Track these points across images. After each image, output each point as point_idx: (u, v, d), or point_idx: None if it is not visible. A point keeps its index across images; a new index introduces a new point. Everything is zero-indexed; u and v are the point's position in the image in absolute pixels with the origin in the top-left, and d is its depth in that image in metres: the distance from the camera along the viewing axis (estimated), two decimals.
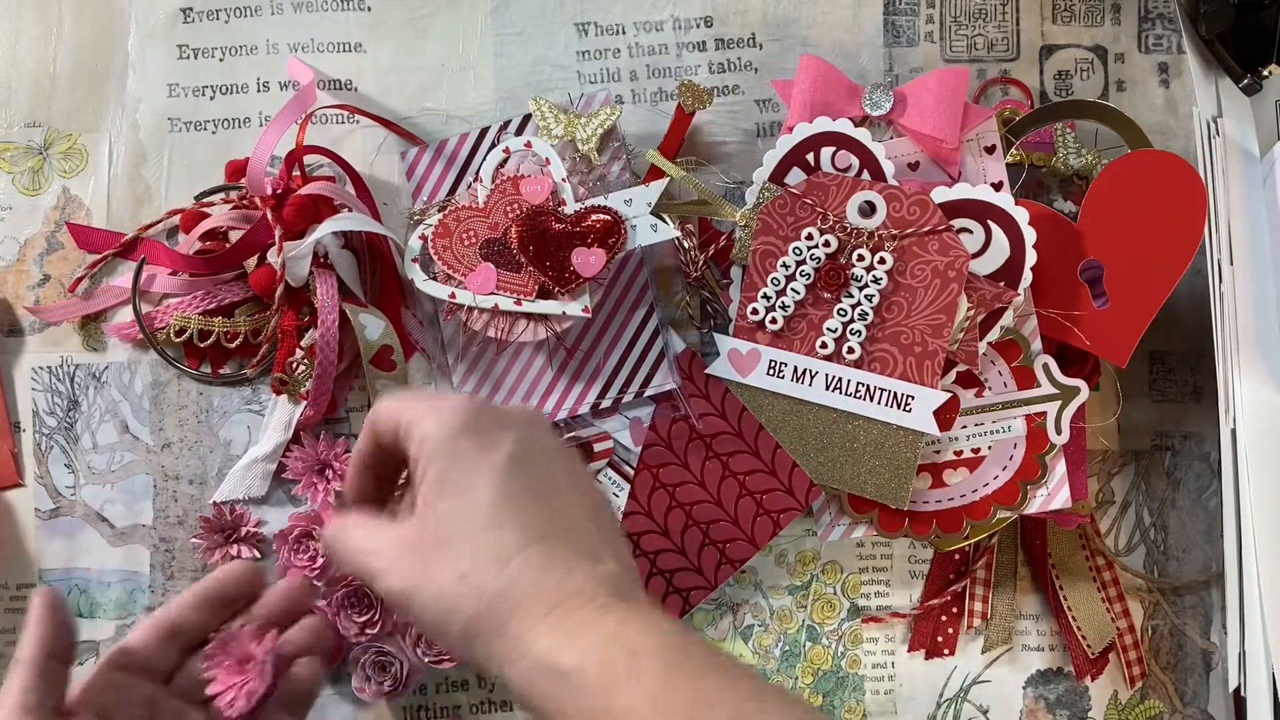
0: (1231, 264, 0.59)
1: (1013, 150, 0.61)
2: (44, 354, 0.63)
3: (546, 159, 0.59)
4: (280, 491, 0.62)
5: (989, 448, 0.60)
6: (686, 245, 0.61)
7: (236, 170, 0.62)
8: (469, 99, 0.64)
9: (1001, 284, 0.58)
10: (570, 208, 0.58)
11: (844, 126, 0.58)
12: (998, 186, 0.59)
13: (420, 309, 0.63)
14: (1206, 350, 0.60)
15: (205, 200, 0.62)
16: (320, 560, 0.59)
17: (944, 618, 0.63)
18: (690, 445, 0.61)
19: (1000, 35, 0.64)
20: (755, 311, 0.60)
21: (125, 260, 0.63)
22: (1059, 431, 0.59)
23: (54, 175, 0.64)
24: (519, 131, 0.62)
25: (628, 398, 0.61)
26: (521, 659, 0.41)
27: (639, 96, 0.64)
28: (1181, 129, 0.63)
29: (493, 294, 0.58)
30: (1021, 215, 0.57)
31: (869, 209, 0.58)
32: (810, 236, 0.58)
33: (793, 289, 0.59)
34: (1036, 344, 0.59)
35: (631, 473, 0.61)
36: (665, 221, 0.59)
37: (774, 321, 0.59)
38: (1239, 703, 0.59)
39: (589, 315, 0.58)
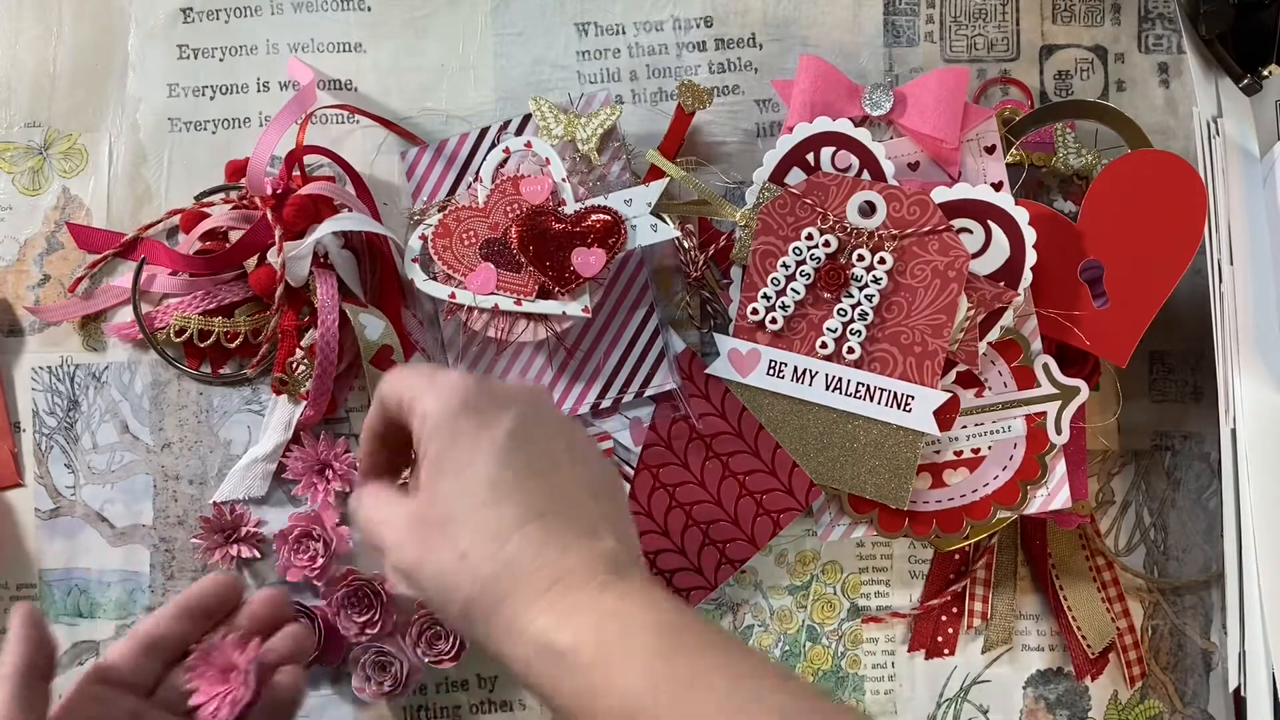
0: (1231, 264, 0.59)
1: (1013, 150, 0.61)
2: (44, 354, 0.63)
3: (546, 159, 0.59)
4: (280, 491, 0.62)
5: (989, 448, 0.60)
6: (686, 245, 0.61)
7: (236, 170, 0.62)
8: (469, 99, 0.64)
9: (1001, 284, 0.58)
10: (570, 208, 0.58)
11: (844, 126, 0.59)
12: (998, 186, 0.59)
13: (420, 309, 0.63)
14: (1206, 350, 0.60)
15: (205, 200, 0.62)
16: (320, 560, 0.59)
17: (944, 618, 0.63)
18: (690, 445, 0.61)
19: (1000, 35, 0.64)
20: (755, 311, 0.60)
21: (125, 260, 0.63)
22: (1059, 431, 0.59)
23: (54, 175, 0.64)
24: (519, 131, 0.62)
25: (628, 398, 0.61)
26: (518, 638, 0.41)
27: (639, 96, 0.64)
28: (1181, 129, 0.63)
29: (493, 294, 0.58)
30: (1021, 215, 0.57)
31: (869, 209, 0.58)
32: (810, 236, 0.58)
33: (793, 289, 0.59)
34: (1036, 344, 0.59)
35: (631, 473, 0.61)
36: (665, 221, 0.59)
37: (774, 321, 0.59)
38: (1239, 703, 0.59)
39: (589, 315, 0.58)
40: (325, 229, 0.58)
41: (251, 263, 0.61)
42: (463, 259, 0.58)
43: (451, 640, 0.59)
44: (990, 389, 0.60)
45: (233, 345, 0.61)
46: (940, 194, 0.57)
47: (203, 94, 0.64)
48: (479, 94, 0.64)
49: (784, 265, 0.59)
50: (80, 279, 0.62)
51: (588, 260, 0.57)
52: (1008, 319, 0.58)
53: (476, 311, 0.58)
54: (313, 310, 0.59)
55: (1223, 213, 0.59)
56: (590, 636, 0.39)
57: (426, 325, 0.63)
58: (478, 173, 0.60)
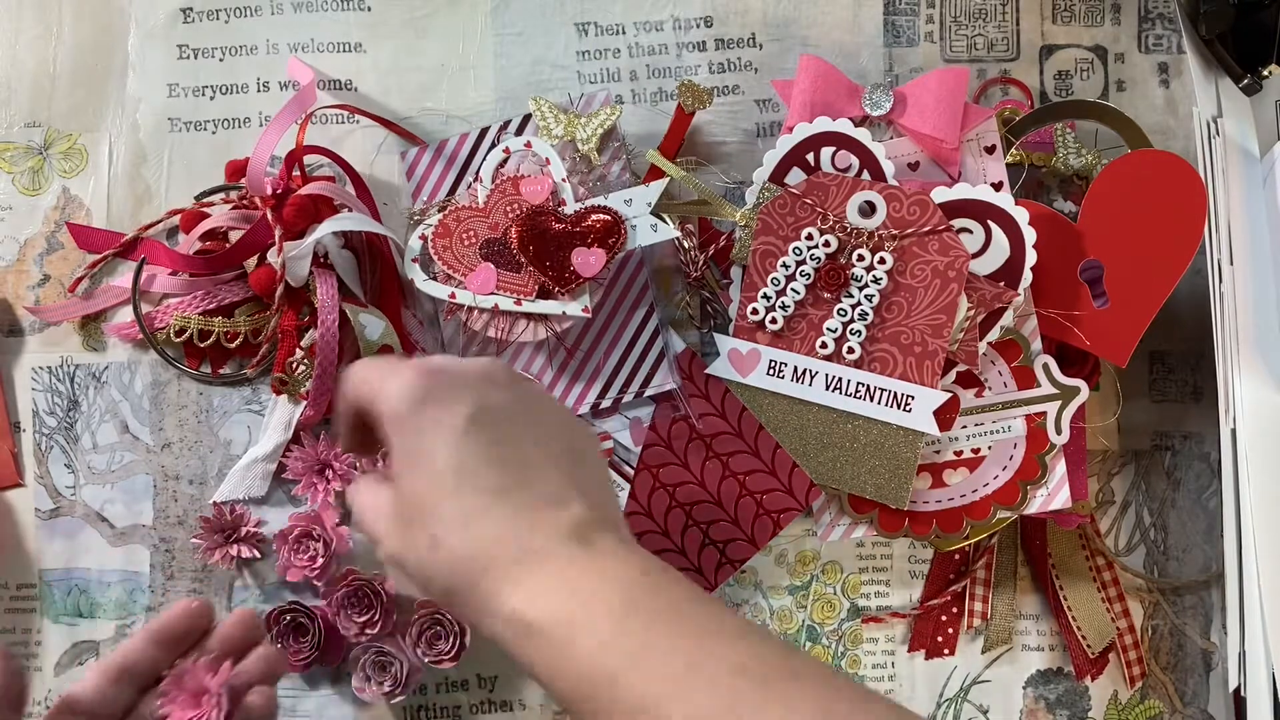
0: (1231, 264, 0.59)
1: (1013, 150, 0.61)
2: (44, 354, 0.63)
3: (546, 159, 0.59)
4: (280, 491, 0.62)
5: (989, 448, 0.60)
6: (686, 245, 0.61)
7: (236, 170, 0.62)
8: (469, 99, 0.64)
9: (1001, 284, 0.58)
10: (570, 208, 0.58)
11: (844, 126, 0.58)
12: (998, 186, 0.59)
13: (420, 309, 0.63)
14: (1206, 350, 0.60)
15: (205, 200, 0.62)
16: (320, 560, 0.59)
17: (944, 618, 0.63)
18: (690, 445, 0.61)
19: (1000, 35, 0.64)
20: (755, 311, 0.60)
21: (125, 260, 0.63)
22: (1059, 431, 0.59)
23: (54, 175, 0.64)
24: (519, 131, 0.62)
25: (628, 398, 0.61)
26: (495, 619, 0.42)
27: (639, 96, 0.64)
28: (1181, 129, 0.63)
29: (493, 294, 0.58)
30: (1021, 215, 0.57)
31: (869, 209, 0.58)
32: (810, 236, 0.58)
33: (793, 289, 0.59)
34: (1036, 344, 0.59)
35: (631, 473, 0.61)
36: (665, 221, 0.59)
37: (774, 321, 0.59)
38: (1239, 703, 0.59)
39: (589, 315, 0.58)
40: (325, 229, 0.58)
41: (251, 263, 0.61)
42: (463, 259, 0.58)
43: (451, 640, 0.59)
44: (990, 389, 0.60)
45: (233, 345, 0.61)
46: (940, 194, 0.57)
47: (203, 94, 0.64)
48: (479, 94, 0.64)
49: (784, 265, 0.59)
50: (80, 279, 0.62)
51: (588, 260, 0.57)
52: (1008, 319, 0.58)
53: (476, 311, 0.58)
54: (313, 310, 0.59)
55: (1223, 213, 0.59)
56: (556, 612, 0.40)
57: (426, 325, 0.63)
58: (478, 173, 0.60)
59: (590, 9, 0.64)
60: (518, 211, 0.58)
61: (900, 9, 0.64)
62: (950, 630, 0.63)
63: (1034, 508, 0.60)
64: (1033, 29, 0.64)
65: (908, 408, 0.58)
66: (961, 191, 0.57)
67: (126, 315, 0.62)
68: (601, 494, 0.46)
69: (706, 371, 0.61)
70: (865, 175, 0.59)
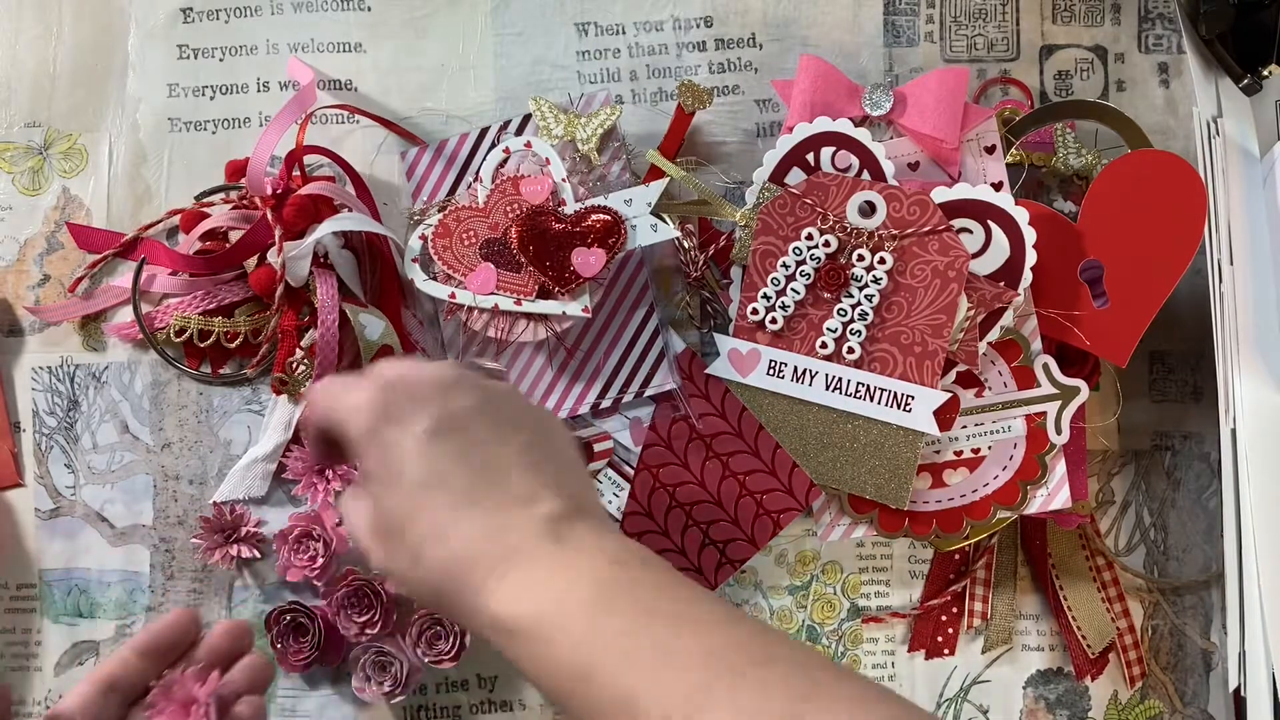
0: (1231, 264, 0.59)
1: (1013, 150, 0.61)
2: (44, 354, 0.63)
3: (546, 159, 0.59)
4: (280, 491, 0.62)
5: (989, 448, 0.60)
6: (686, 245, 0.61)
7: (236, 170, 0.62)
8: (469, 99, 0.64)
9: (1001, 284, 0.58)
10: (570, 208, 0.58)
11: (844, 126, 0.58)
12: (998, 186, 0.59)
13: (420, 309, 0.63)
14: (1206, 350, 0.60)
15: (205, 200, 0.62)
16: (320, 560, 0.59)
17: (944, 618, 0.63)
18: (690, 445, 0.61)
19: (1000, 35, 0.64)
20: (755, 311, 0.60)
21: (125, 260, 0.63)
22: (1059, 431, 0.59)
23: (54, 175, 0.64)
24: (519, 131, 0.62)
25: (628, 398, 0.61)
26: (481, 624, 0.43)
27: (639, 96, 0.64)
28: (1181, 129, 0.63)
29: (493, 294, 0.58)
30: (1021, 215, 0.57)
31: (869, 209, 0.58)
32: (810, 236, 0.58)
33: (793, 289, 0.59)
34: (1036, 344, 0.59)
35: (631, 473, 0.61)
36: (665, 221, 0.59)
37: (774, 321, 0.59)
38: (1239, 703, 0.59)
39: (589, 315, 0.58)
40: (325, 229, 0.58)
41: (251, 263, 0.61)
42: (463, 259, 0.58)
43: (451, 640, 0.59)
44: (990, 389, 0.60)
45: (233, 345, 0.61)
46: (940, 194, 0.57)
47: (203, 94, 0.64)
48: (479, 94, 0.64)
49: (784, 265, 0.59)
50: (80, 279, 0.62)
51: (588, 260, 0.57)
52: (1008, 319, 0.58)
53: (476, 311, 0.58)
54: (313, 310, 0.59)
55: (1223, 213, 0.59)
56: (533, 612, 0.41)
57: (426, 325, 0.63)
58: (478, 173, 0.60)
59: (590, 9, 0.64)
60: (518, 211, 0.58)
61: (900, 9, 0.64)
62: (950, 630, 0.63)
63: (1034, 508, 0.60)
64: (1033, 29, 0.64)
65: (908, 408, 0.58)
66: (961, 191, 0.57)
67: (126, 315, 0.62)
68: (572, 480, 0.46)
69: (706, 371, 0.61)
70: (865, 175, 0.59)
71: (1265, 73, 0.61)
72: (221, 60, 0.64)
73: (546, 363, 0.62)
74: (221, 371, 0.62)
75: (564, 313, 0.58)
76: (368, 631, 0.59)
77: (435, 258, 0.58)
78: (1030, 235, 0.57)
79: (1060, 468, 0.59)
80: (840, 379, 0.59)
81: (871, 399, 0.58)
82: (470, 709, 0.63)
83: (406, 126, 0.63)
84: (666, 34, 0.64)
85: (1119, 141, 0.61)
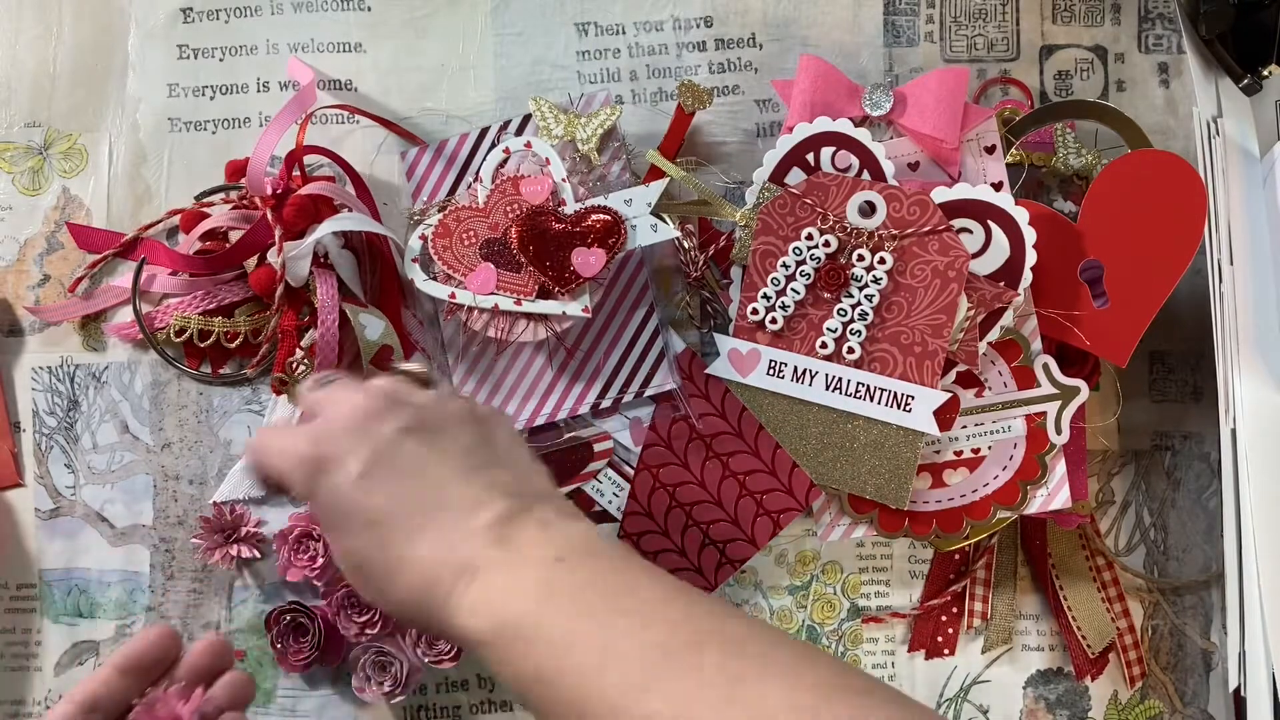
0: (1231, 264, 0.59)
1: (1013, 150, 0.61)
2: (44, 354, 0.63)
3: (546, 159, 0.59)
4: None
5: (989, 448, 0.60)
6: (686, 245, 0.61)
7: (236, 170, 0.62)
8: (469, 99, 0.64)
9: (1001, 284, 0.58)
10: (570, 208, 0.58)
11: (844, 126, 0.58)
12: (998, 186, 0.59)
13: (420, 309, 0.63)
14: (1206, 350, 0.60)
15: (205, 200, 0.62)
16: (320, 560, 0.59)
17: (944, 618, 0.63)
18: (690, 445, 0.61)
19: (1000, 35, 0.64)
20: (755, 311, 0.60)
21: (125, 260, 0.63)
22: (1059, 431, 0.59)
23: (54, 175, 0.64)
24: (519, 131, 0.62)
25: (628, 398, 0.61)
26: (452, 636, 0.44)
27: (639, 96, 0.64)
28: (1181, 129, 0.63)
29: (493, 294, 0.58)
30: (1021, 215, 0.57)
31: (869, 209, 0.58)
32: (810, 236, 0.58)
33: (793, 289, 0.59)
34: (1036, 344, 0.59)
35: (631, 473, 0.61)
36: (665, 221, 0.59)
37: (774, 321, 0.59)
38: (1239, 703, 0.59)
39: (589, 315, 0.58)
40: (325, 229, 0.58)
41: (251, 263, 0.61)
42: (463, 259, 0.58)
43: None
44: (990, 389, 0.60)
45: (233, 345, 0.61)
46: (940, 194, 0.57)
47: (203, 94, 0.64)
48: (479, 94, 0.64)
49: (784, 265, 0.59)
50: (80, 279, 0.62)
51: (588, 260, 0.57)
52: (1008, 319, 0.58)
53: (476, 311, 0.58)
54: (313, 310, 0.59)
55: (1223, 213, 0.59)
56: (489, 623, 0.42)
57: (426, 325, 0.63)
58: (478, 173, 0.60)
59: (590, 9, 0.64)
60: (518, 211, 0.58)
61: (900, 9, 0.64)
62: (950, 630, 0.63)
63: (1034, 508, 0.60)
64: (1033, 29, 0.64)
65: (908, 408, 0.58)
66: (961, 191, 0.57)
67: (126, 315, 0.62)
68: (513, 474, 0.47)
69: (706, 371, 0.61)
70: (865, 175, 0.59)
71: (1265, 73, 0.61)
72: (221, 60, 0.64)
73: (546, 363, 0.62)
74: (221, 371, 0.62)
75: (564, 313, 0.58)
76: (368, 631, 0.59)
77: (435, 258, 0.58)
78: (1030, 235, 0.57)
79: (1060, 468, 0.59)
80: (840, 379, 0.59)
81: (871, 399, 0.58)
82: (470, 709, 0.63)
83: (406, 126, 0.63)
84: (666, 34, 0.64)
85: (1119, 141, 0.61)
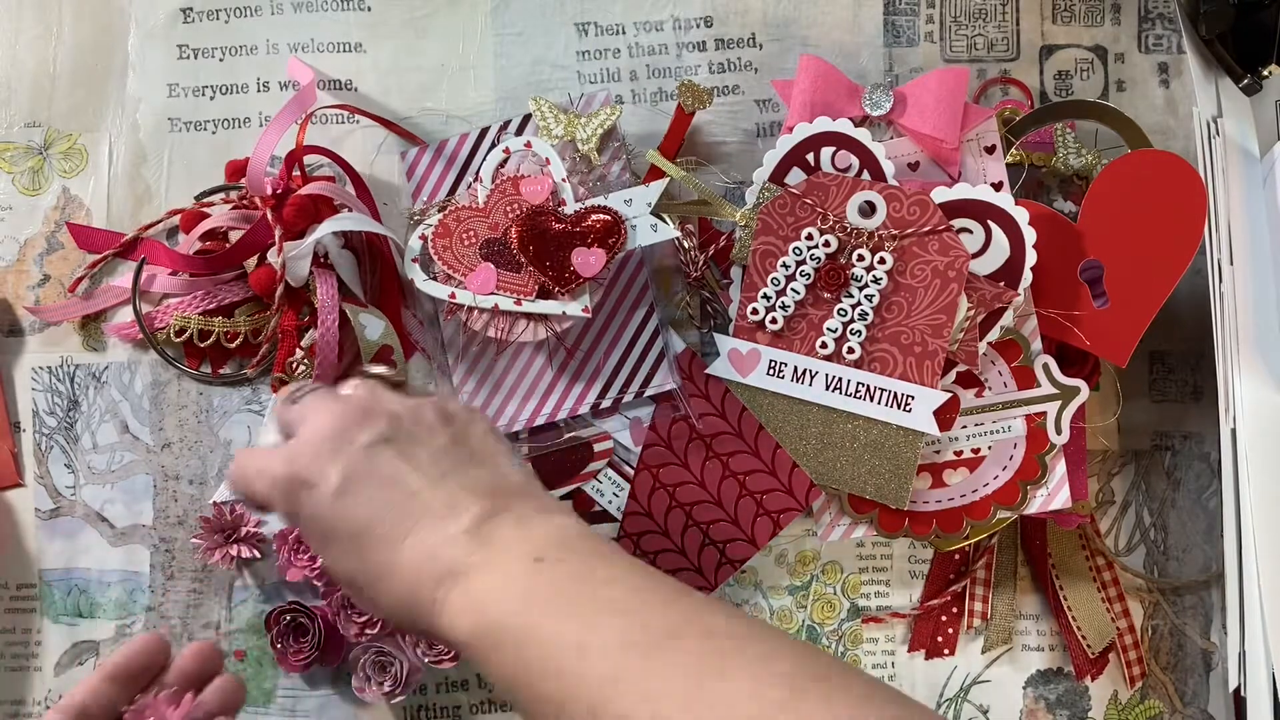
0: (1231, 264, 0.59)
1: (1013, 150, 0.61)
2: (44, 354, 0.63)
3: (546, 159, 0.59)
4: None
5: (989, 448, 0.60)
6: (686, 245, 0.61)
7: (236, 170, 0.62)
8: (469, 99, 0.64)
9: (1001, 284, 0.58)
10: (570, 208, 0.58)
11: (844, 126, 0.58)
12: (998, 186, 0.59)
13: (420, 309, 0.63)
14: (1206, 350, 0.60)
15: (205, 200, 0.62)
16: (319, 560, 0.59)
17: (944, 618, 0.63)
18: (690, 445, 0.61)
19: (1000, 35, 0.64)
20: (755, 311, 0.60)
21: (125, 260, 0.63)
22: (1059, 431, 0.59)
23: (54, 175, 0.64)
24: (519, 131, 0.62)
25: (628, 398, 0.61)
26: (443, 640, 0.45)
27: (639, 96, 0.64)
28: (1181, 129, 0.63)
29: (493, 294, 0.58)
30: (1021, 215, 0.57)
31: (869, 209, 0.58)
32: (810, 236, 0.58)
33: (793, 289, 0.59)
34: (1036, 344, 0.59)
35: (631, 473, 0.61)
36: (665, 221, 0.59)
37: (774, 321, 0.59)
38: (1239, 703, 0.59)
39: (589, 315, 0.58)
40: (325, 229, 0.58)
41: (251, 263, 0.61)
42: (463, 259, 0.58)
43: None
44: (990, 389, 0.60)
45: (233, 345, 0.61)
46: (940, 194, 0.57)
47: (203, 94, 0.64)
48: (479, 94, 0.64)
49: (784, 265, 0.59)
50: (80, 279, 0.62)
51: (588, 260, 0.57)
52: (1008, 319, 0.58)
53: (476, 311, 0.58)
54: (313, 310, 0.59)
55: (1223, 213, 0.59)
56: (472, 628, 0.43)
57: (426, 325, 0.63)
58: (478, 173, 0.60)
59: (590, 9, 0.64)
60: (518, 211, 0.58)
61: (900, 9, 0.64)
62: (950, 630, 0.63)
63: (1034, 508, 0.60)
64: (1033, 29, 0.64)
65: (908, 408, 0.58)
66: (961, 191, 0.57)
67: (126, 315, 0.62)
68: (490, 473, 0.48)
69: (706, 371, 0.61)
70: (865, 175, 0.59)
71: (1265, 73, 0.61)
72: (221, 60, 0.64)
73: (546, 363, 0.62)
74: (221, 371, 0.62)
75: (564, 313, 0.58)
76: (368, 631, 0.59)
77: (435, 258, 0.58)
78: (1030, 235, 0.57)
79: (1060, 468, 0.59)
80: (840, 379, 0.59)
81: (871, 399, 0.58)
82: (470, 709, 0.63)
83: (406, 126, 0.63)
84: (666, 34, 0.64)
85: (1119, 141, 0.61)
